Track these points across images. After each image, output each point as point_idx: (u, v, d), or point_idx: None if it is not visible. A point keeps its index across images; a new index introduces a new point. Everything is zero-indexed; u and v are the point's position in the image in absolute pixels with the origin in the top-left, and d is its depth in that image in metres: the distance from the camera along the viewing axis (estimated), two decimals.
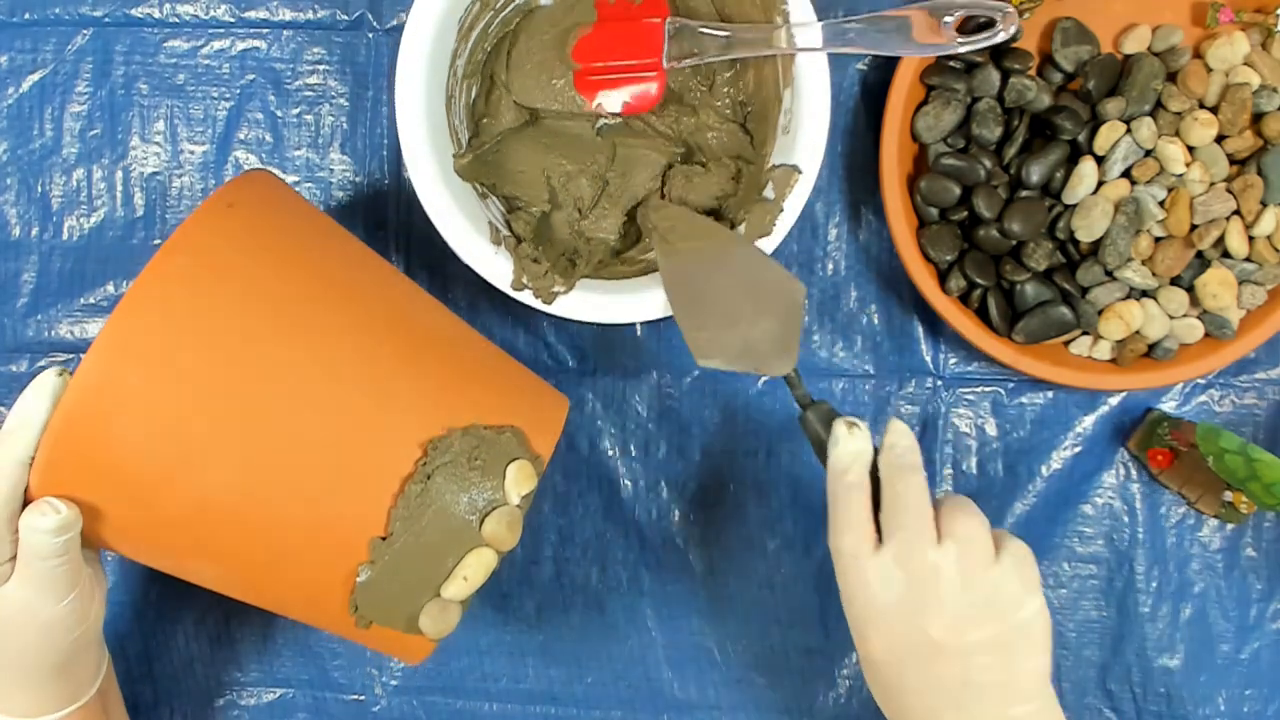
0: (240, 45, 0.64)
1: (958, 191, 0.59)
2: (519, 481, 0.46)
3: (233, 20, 0.63)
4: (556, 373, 0.64)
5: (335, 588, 0.45)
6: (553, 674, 0.65)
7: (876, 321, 0.64)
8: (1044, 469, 0.64)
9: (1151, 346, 0.59)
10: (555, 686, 0.65)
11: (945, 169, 0.59)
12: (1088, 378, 0.59)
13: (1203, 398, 0.64)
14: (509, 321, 0.64)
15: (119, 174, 0.64)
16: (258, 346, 0.44)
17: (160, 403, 0.42)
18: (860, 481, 0.47)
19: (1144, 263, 0.58)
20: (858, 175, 0.63)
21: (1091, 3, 0.60)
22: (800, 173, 0.55)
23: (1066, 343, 0.60)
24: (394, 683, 0.65)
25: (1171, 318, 0.59)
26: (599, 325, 0.62)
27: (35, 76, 0.64)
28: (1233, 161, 0.58)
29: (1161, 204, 0.58)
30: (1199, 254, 0.58)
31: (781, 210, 0.55)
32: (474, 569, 0.45)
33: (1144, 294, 0.59)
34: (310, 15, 0.63)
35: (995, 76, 0.59)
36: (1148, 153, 0.58)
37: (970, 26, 0.55)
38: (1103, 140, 0.58)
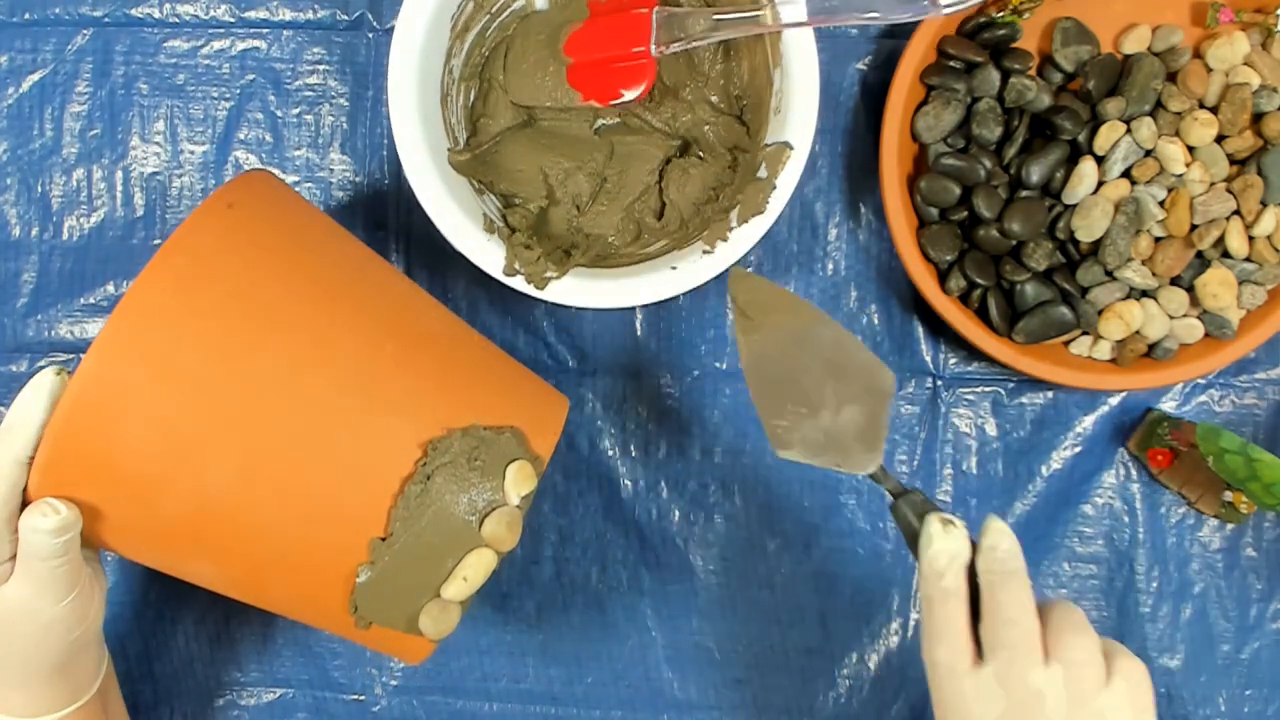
0: (240, 45, 0.64)
1: (958, 191, 0.59)
2: (519, 482, 0.46)
3: (233, 20, 0.63)
4: (556, 373, 0.64)
5: (335, 588, 0.45)
6: (553, 674, 0.65)
7: (876, 321, 0.64)
8: (1044, 469, 0.64)
9: (1151, 346, 0.59)
10: (555, 686, 0.65)
11: (945, 169, 0.59)
12: (1088, 378, 0.59)
13: (1203, 398, 0.64)
14: (509, 321, 0.64)
15: (119, 174, 0.64)
16: (257, 347, 0.44)
17: (159, 402, 0.42)
18: (958, 588, 0.43)
19: (1144, 263, 0.58)
20: (858, 175, 0.63)
21: (1091, 3, 0.60)
22: (792, 149, 0.55)
23: (1066, 343, 0.60)
24: (394, 683, 0.65)
25: (1171, 318, 0.59)
26: (593, 310, 0.62)
27: (35, 76, 0.64)
28: (1233, 161, 0.58)
29: (1161, 204, 0.58)
30: (1199, 254, 0.58)
31: (775, 188, 0.55)
32: (474, 569, 0.45)
33: (1144, 294, 0.59)
34: (310, 15, 0.63)
35: (995, 76, 0.59)
36: (1148, 153, 0.58)
37: None
38: (1103, 140, 0.58)
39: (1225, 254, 0.58)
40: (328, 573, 0.45)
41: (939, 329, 0.64)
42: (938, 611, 0.43)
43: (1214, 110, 0.58)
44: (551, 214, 0.60)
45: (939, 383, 0.64)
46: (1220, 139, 0.58)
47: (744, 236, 0.56)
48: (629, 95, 0.57)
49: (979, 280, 0.58)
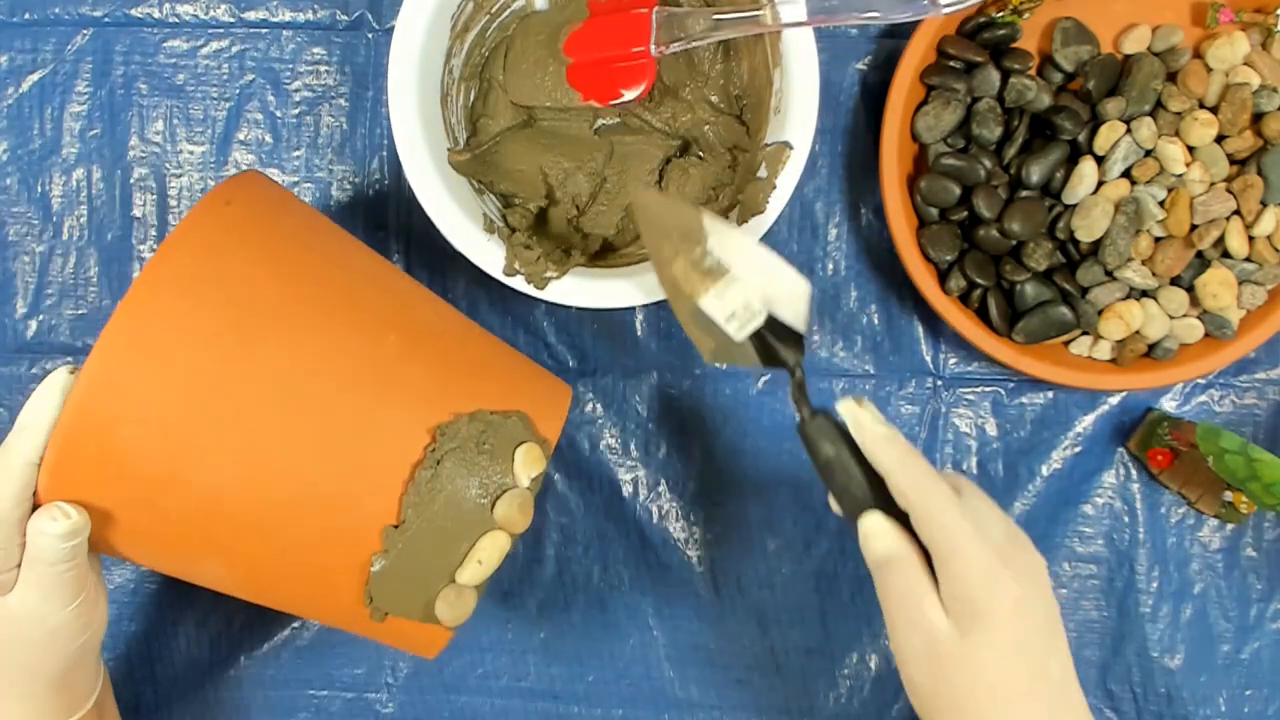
0: (240, 45, 0.64)
1: (958, 191, 0.59)
2: (528, 464, 0.46)
3: (232, 20, 0.63)
4: (557, 372, 0.64)
5: (349, 580, 0.45)
6: (554, 672, 0.65)
7: (876, 321, 0.64)
8: (1044, 469, 0.64)
9: (1151, 346, 0.59)
10: (556, 685, 0.65)
11: (945, 169, 0.59)
12: (1088, 378, 0.59)
13: (1203, 398, 0.64)
14: (509, 321, 0.64)
15: (119, 174, 0.64)
16: (259, 341, 0.44)
17: (166, 400, 0.42)
18: (918, 565, 0.43)
19: (1144, 263, 0.58)
20: (858, 175, 0.63)
21: (1091, 3, 0.60)
22: (792, 148, 0.55)
23: (1066, 343, 0.60)
24: (395, 682, 0.65)
25: (1171, 318, 0.59)
26: (593, 311, 0.62)
27: (35, 76, 0.64)
28: (1233, 161, 0.58)
29: (1161, 204, 0.58)
30: (1199, 254, 0.58)
31: (775, 187, 0.55)
32: (488, 552, 0.45)
33: (1144, 294, 0.59)
34: (310, 16, 0.63)
35: (995, 76, 0.59)
36: (1148, 153, 0.58)
37: None
38: (1103, 140, 0.58)
39: (1225, 254, 0.58)
40: (341, 564, 0.45)
41: (939, 329, 0.64)
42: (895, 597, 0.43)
43: (1214, 110, 0.58)
44: (551, 214, 0.61)
45: (939, 383, 0.64)
46: (1220, 139, 0.58)
47: None
48: (629, 95, 0.57)
49: (979, 280, 0.58)
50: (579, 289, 0.55)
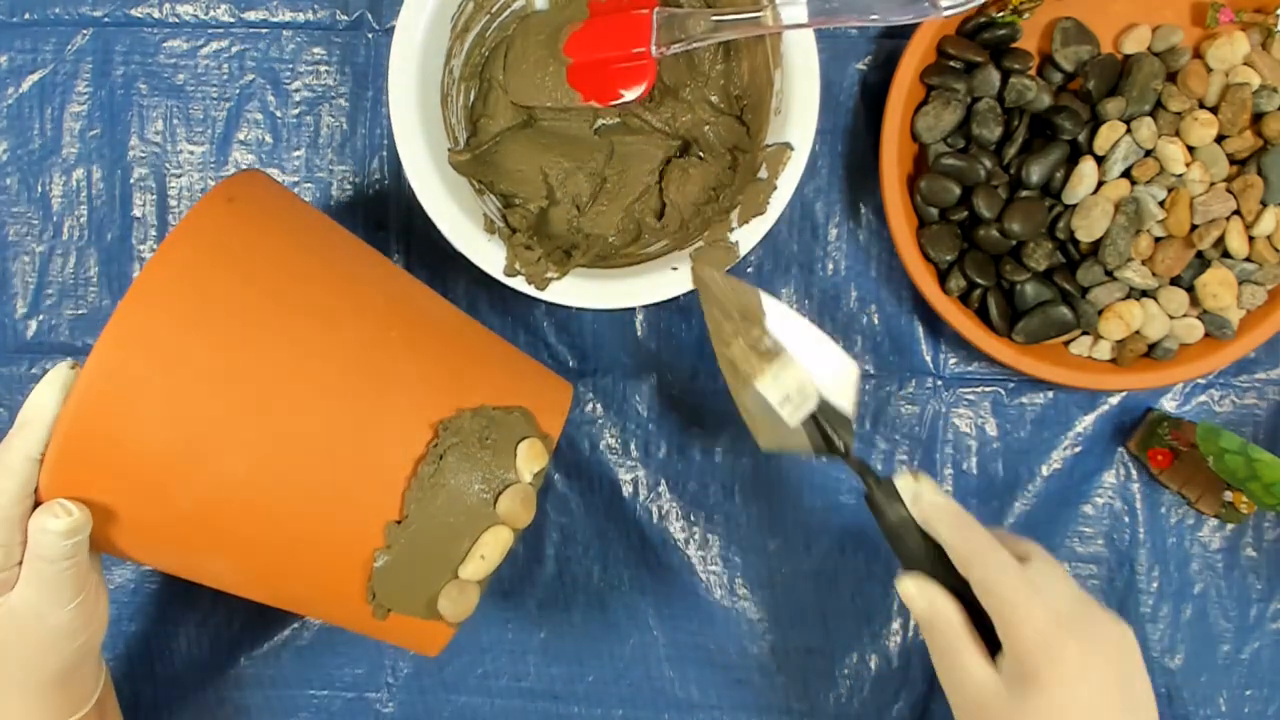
0: (240, 45, 0.64)
1: (958, 191, 0.59)
2: (530, 459, 0.46)
3: (232, 20, 0.63)
4: (557, 372, 0.64)
5: (352, 576, 0.45)
6: (554, 672, 0.65)
7: (876, 321, 0.64)
8: (1044, 469, 0.64)
9: (1151, 346, 0.59)
10: (556, 685, 0.65)
11: (945, 169, 0.59)
12: (1088, 378, 0.59)
13: (1203, 398, 0.64)
14: (509, 321, 0.64)
15: (119, 174, 0.64)
16: (264, 333, 0.44)
17: (168, 393, 0.42)
18: (956, 624, 0.44)
19: (1144, 263, 0.58)
20: (858, 175, 0.63)
21: (1091, 3, 0.60)
22: (793, 149, 0.55)
23: (1066, 343, 0.60)
24: (394, 681, 0.65)
25: (1171, 318, 0.59)
26: (593, 311, 0.62)
27: (35, 76, 0.64)
28: (1233, 161, 0.58)
29: (1161, 204, 0.58)
30: (1199, 254, 0.58)
31: (775, 188, 0.55)
32: (491, 547, 0.45)
33: (1144, 294, 0.59)
34: (310, 16, 0.63)
35: (995, 76, 0.59)
36: (1148, 153, 0.58)
37: None
38: (1103, 140, 0.58)
39: (1225, 254, 0.58)
40: (344, 560, 0.45)
41: (939, 329, 0.64)
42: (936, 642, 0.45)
43: (1214, 110, 0.58)
44: (551, 214, 0.61)
45: (939, 383, 0.64)
46: (1220, 139, 0.58)
47: (744, 237, 0.56)
48: (629, 95, 0.57)
49: (979, 280, 0.58)
50: (579, 289, 0.55)
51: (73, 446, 0.42)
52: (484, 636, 0.65)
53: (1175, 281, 0.59)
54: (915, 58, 0.58)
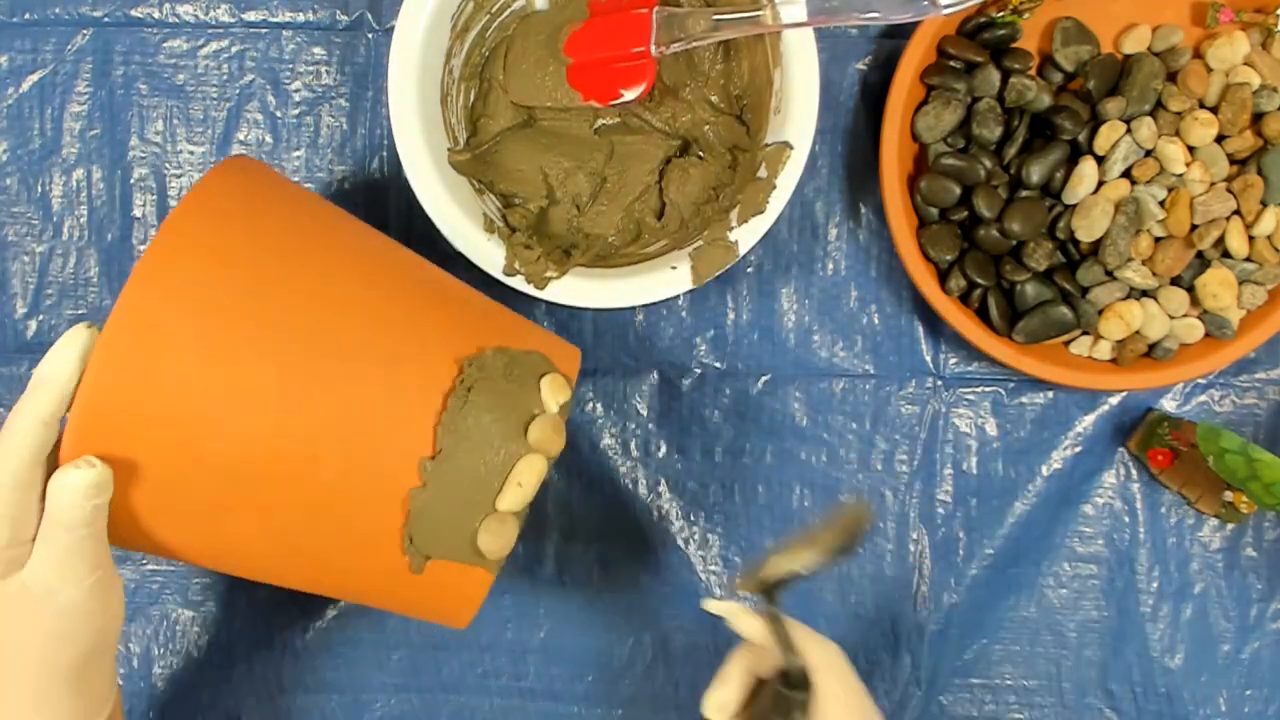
0: (240, 46, 0.64)
1: (958, 191, 0.59)
2: (554, 391, 0.46)
3: (232, 21, 0.63)
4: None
5: (387, 520, 0.44)
6: (554, 672, 0.65)
7: (876, 321, 0.64)
8: (1044, 469, 0.64)
9: (1151, 346, 0.59)
10: (556, 684, 0.65)
11: (945, 169, 0.59)
12: (1088, 378, 0.59)
13: (1203, 398, 0.64)
14: None
15: (119, 174, 0.64)
16: (287, 277, 0.44)
17: (197, 337, 0.42)
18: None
19: (1144, 263, 0.58)
20: (858, 175, 0.63)
21: (1091, 3, 0.60)
22: (792, 148, 0.55)
23: (1066, 343, 0.60)
24: (394, 681, 0.65)
25: (1171, 318, 0.59)
26: (593, 311, 0.62)
27: (35, 76, 0.63)
28: (1233, 161, 0.58)
29: (1161, 204, 0.58)
30: (1199, 254, 0.58)
31: (775, 187, 0.55)
32: (526, 475, 0.45)
33: (1144, 294, 0.59)
34: (310, 16, 0.63)
35: (995, 76, 0.59)
36: (1148, 153, 0.58)
37: None
38: (1103, 140, 0.58)
39: (1225, 254, 0.58)
40: (379, 502, 0.44)
41: (939, 329, 0.64)
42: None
43: (1214, 110, 0.58)
44: (551, 214, 0.61)
45: (939, 383, 0.64)
46: (1220, 139, 0.58)
47: (744, 236, 0.56)
48: (629, 95, 0.57)
49: (979, 280, 0.58)
50: (579, 289, 0.55)
51: (100, 399, 0.41)
52: (483, 636, 0.65)
53: (1175, 281, 0.59)
54: (915, 58, 0.58)
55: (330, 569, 0.48)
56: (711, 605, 0.51)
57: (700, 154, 0.61)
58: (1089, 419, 0.64)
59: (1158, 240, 0.58)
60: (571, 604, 0.65)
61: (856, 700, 0.48)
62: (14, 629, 0.43)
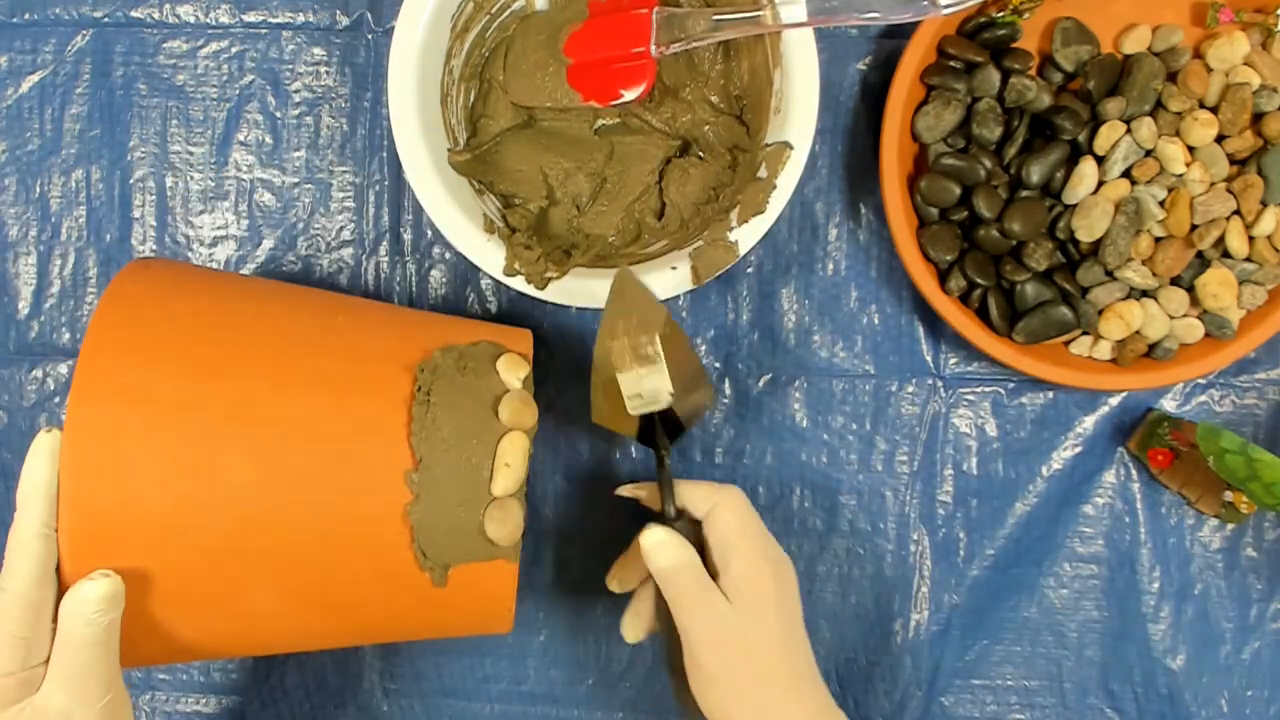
0: (239, 46, 0.64)
1: (958, 191, 0.59)
2: (512, 369, 0.48)
3: (232, 21, 0.63)
4: (557, 372, 0.64)
5: (395, 544, 0.45)
6: (554, 675, 0.65)
7: (876, 321, 0.64)
8: (1044, 469, 0.64)
9: (1151, 346, 0.59)
10: (556, 688, 0.65)
11: (945, 169, 0.59)
12: (1088, 378, 0.59)
13: (1203, 398, 0.64)
14: (509, 322, 0.64)
15: (118, 174, 0.64)
16: (222, 347, 0.45)
17: (153, 434, 0.43)
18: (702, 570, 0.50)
19: (1144, 263, 0.58)
20: (858, 175, 0.63)
21: (1091, 3, 0.60)
22: (792, 149, 0.55)
23: (1066, 343, 0.60)
24: (394, 685, 0.65)
25: (1171, 318, 0.59)
26: (593, 311, 0.61)
27: (35, 77, 0.64)
28: (1233, 161, 0.58)
29: (1161, 204, 0.58)
30: (1199, 254, 0.58)
31: (775, 187, 0.55)
32: (512, 454, 0.46)
33: (1144, 294, 0.59)
34: (310, 17, 0.63)
35: (995, 76, 0.59)
36: (1148, 153, 0.58)
37: None
38: (1103, 140, 0.58)
39: (1225, 254, 0.58)
40: (382, 528, 0.45)
41: (939, 329, 0.64)
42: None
43: (1214, 110, 0.58)
44: (551, 214, 0.61)
45: (939, 383, 0.64)
46: (1220, 139, 0.58)
47: (744, 236, 0.56)
48: (629, 95, 0.57)
49: (979, 280, 0.58)
50: (579, 289, 0.55)
51: (81, 517, 0.42)
52: (483, 639, 0.65)
53: (1175, 281, 0.59)
54: (915, 58, 0.58)
55: (360, 612, 0.48)
56: (624, 490, 0.56)
57: (700, 154, 0.61)
58: (1089, 419, 0.64)
59: (1158, 240, 0.58)
60: (571, 607, 0.65)
61: (739, 520, 0.51)
62: None
